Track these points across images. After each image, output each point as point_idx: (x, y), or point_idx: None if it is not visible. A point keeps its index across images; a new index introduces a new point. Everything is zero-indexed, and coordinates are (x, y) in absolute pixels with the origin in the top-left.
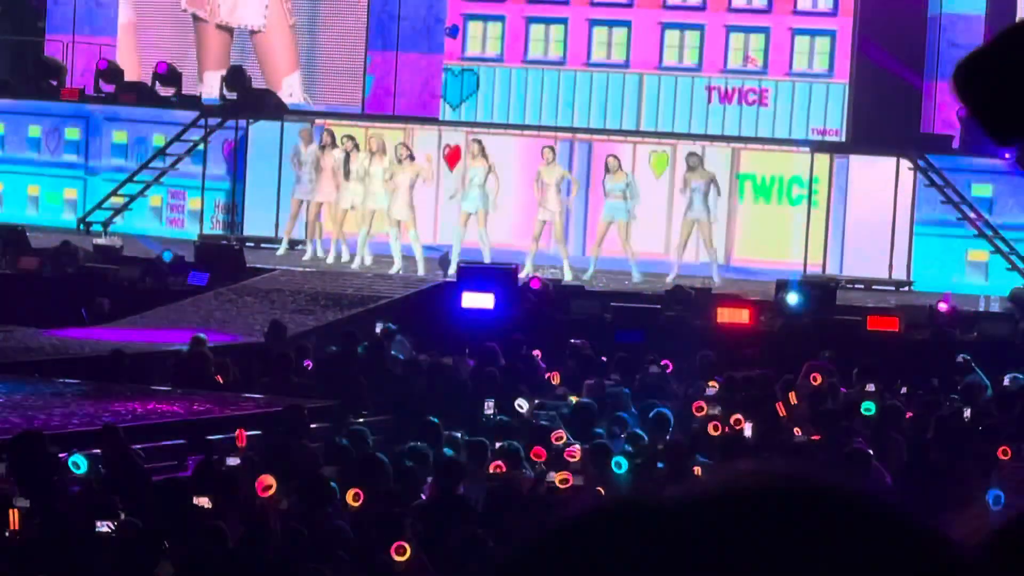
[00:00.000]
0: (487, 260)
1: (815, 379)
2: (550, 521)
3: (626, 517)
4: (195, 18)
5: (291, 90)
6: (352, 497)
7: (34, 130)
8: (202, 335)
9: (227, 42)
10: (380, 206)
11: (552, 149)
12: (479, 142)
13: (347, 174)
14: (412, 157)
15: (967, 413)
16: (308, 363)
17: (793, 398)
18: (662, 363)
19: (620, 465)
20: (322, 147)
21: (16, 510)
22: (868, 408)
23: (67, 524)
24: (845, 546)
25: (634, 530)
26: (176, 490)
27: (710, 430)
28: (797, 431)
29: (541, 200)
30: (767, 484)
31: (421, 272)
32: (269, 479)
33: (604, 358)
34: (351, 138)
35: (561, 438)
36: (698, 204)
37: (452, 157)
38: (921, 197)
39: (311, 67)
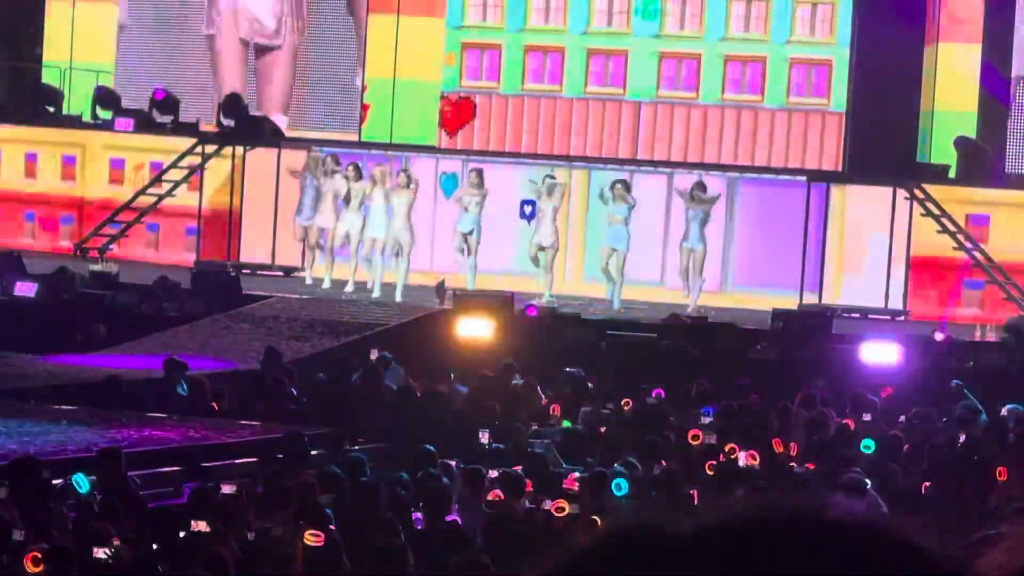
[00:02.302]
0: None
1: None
2: (563, 550)
3: (642, 547)
4: (211, 40)
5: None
6: (309, 536)
7: (31, 155)
8: (177, 359)
9: (244, 62)
10: (379, 234)
11: (551, 178)
12: (479, 172)
13: (348, 201)
14: (410, 183)
15: (961, 440)
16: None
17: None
18: (656, 391)
19: (620, 487)
20: (325, 173)
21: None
22: (868, 446)
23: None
24: None
25: (650, 560)
26: (171, 517)
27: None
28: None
29: (536, 228)
30: (785, 515)
31: (399, 298)
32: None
33: (592, 384)
34: (355, 166)
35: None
36: (694, 233)
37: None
38: (917, 226)
39: (309, 93)
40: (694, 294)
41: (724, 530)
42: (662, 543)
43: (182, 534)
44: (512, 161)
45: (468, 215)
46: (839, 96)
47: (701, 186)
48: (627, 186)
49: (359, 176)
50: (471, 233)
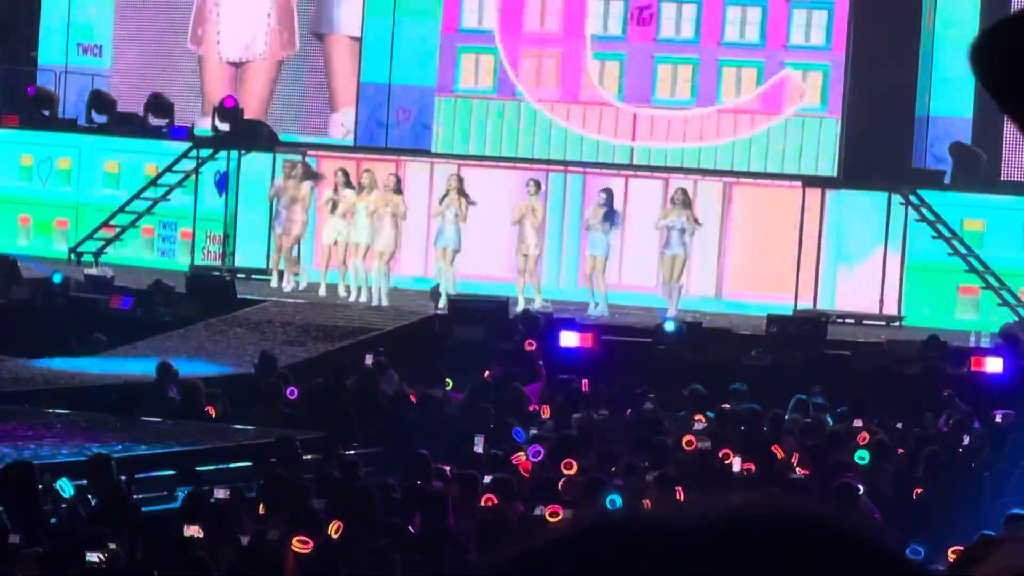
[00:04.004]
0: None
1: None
2: (550, 533)
3: (631, 533)
4: (199, 57)
5: None
6: (334, 530)
7: (26, 159)
8: (168, 362)
9: (233, 77)
10: (364, 241)
11: (537, 183)
12: (461, 178)
13: (333, 208)
14: (399, 189)
15: (961, 445)
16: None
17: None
18: (650, 396)
19: (614, 503)
20: (296, 178)
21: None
22: (862, 457)
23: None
24: None
25: (638, 547)
26: (165, 521)
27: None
28: (793, 465)
29: (521, 235)
30: (778, 513)
31: (384, 303)
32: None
33: (587, 389)
34: (343, 172)
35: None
36: (676, 241)
37: None
38: (912, 232)
39: (302, 99)
40: (675, 300)
41: (724, 523)
42: (659, 533)
43: (174, 538)
44: (507, 166)
45: (447, 230)
46: (835, 101)
47: (682, 193)
48: (610, 194)
49: (347, 183)
50: (445, 248)
